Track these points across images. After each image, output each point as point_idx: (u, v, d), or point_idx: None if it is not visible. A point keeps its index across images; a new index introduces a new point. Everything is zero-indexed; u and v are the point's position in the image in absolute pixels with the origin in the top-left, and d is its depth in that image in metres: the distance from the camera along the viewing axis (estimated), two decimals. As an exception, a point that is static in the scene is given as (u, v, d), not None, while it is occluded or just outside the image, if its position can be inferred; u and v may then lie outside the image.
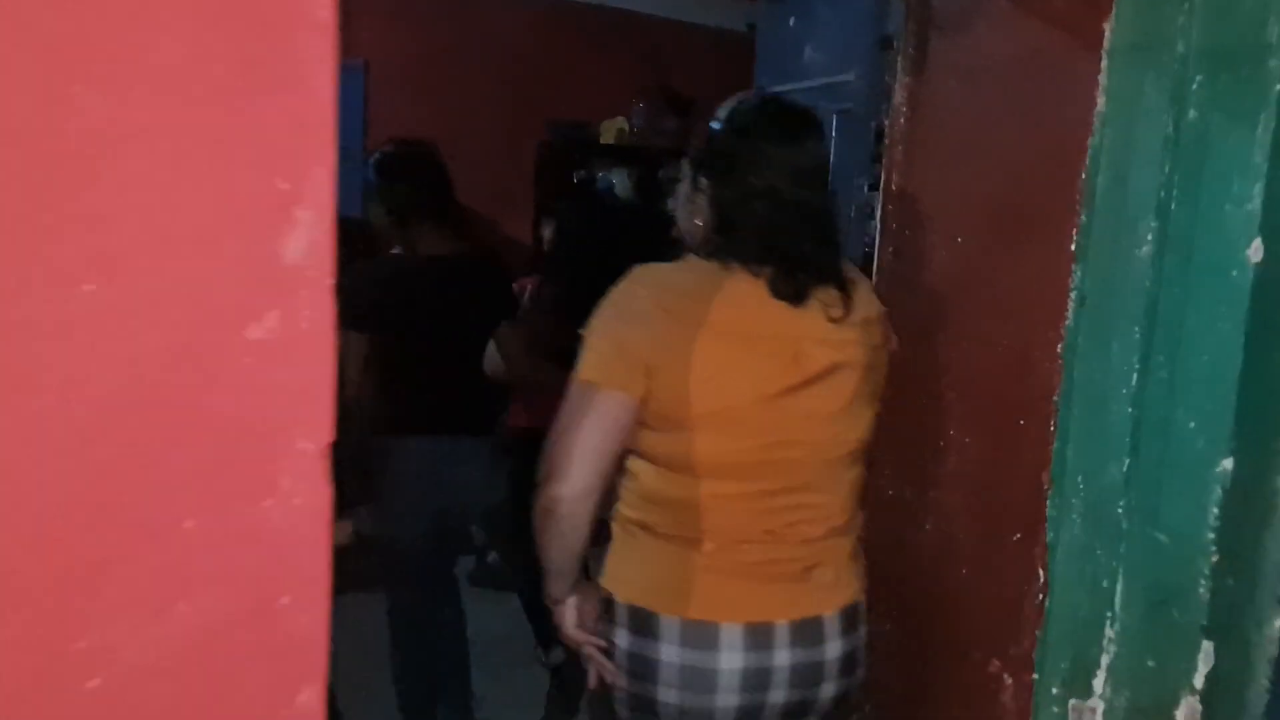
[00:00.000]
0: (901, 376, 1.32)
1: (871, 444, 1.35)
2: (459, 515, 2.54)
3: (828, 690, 1.37)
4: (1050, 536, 1.17)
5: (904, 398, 1.33)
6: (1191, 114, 1.07)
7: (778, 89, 2.41)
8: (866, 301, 1.34)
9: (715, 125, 1.36)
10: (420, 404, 2.40)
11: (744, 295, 1.29)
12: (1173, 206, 1.08)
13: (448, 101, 5.85)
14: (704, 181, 1.34)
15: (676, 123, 4.81)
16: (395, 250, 2.49)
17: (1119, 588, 1.14)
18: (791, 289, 1.28)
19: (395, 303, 2.39)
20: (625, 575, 1.40)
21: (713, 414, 1.29)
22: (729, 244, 1.30)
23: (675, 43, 5.28)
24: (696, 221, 1.36)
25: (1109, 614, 1.15)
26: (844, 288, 1.30)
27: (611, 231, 2.90)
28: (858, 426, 1.33)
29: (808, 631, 1.35)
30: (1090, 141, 1.13)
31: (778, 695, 1.37)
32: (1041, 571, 1.18)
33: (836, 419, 1.31)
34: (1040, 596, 1.19)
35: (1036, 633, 1.19)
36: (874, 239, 1.54)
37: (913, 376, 1.34)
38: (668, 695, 1.36)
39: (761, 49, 2.59)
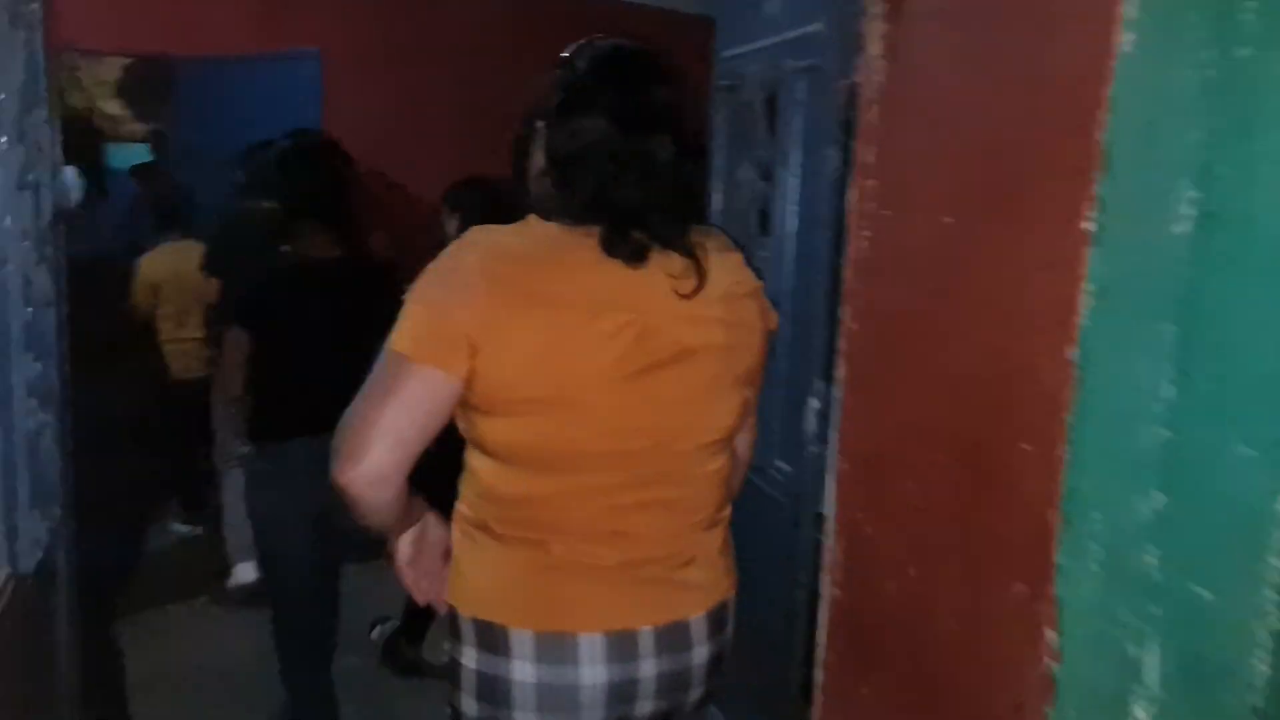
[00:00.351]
0: (877, 388, 1.07)
1: (737, 431, 1.24)
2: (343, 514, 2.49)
3: (694, 695, 1.28)
4: (1060, 591, 0.94)
5: (879, 414, 1.08)
6: (1243, 51, 0.83)
7: (735, 51, 2.19)
8: (732, 274, 1.23)
9: (557, 70, 1.26)
10: (298, 408, 2.33)
11: (582, 261, 1.19)
12: (1218, 171, 0.84)
13: (406, 91, 5.63)
14: (539, 126, 1.25)
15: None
16: (284, 248, 2.43)
17: (1149, 658, 0.90)
18: (626, 248, 1.18)
19: (275, 304, 2.36)
20: (468, 585, 1.28)
21: (546, 399, 1.18)
22: (561, 198, 1.21)
23: (638, 28, 5.06)
24: (533, 173, 1.26)
25: (1136, 691, 0.91)
26: (691, 255, 1.19)
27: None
28: (718, 414, 1.24)
29: (674, 637, 1.25)
30: (1109, 92, 0.89)
31: (644, 707, 1.26)
32: (1050, 634, 0.94)
33: (691, 407, 1.22)
34: (1048, 664, 0.95)
35: (1045, 709, 0.95)
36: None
37: (890, 387, 1.09)
38: (525, 719, 1.23)
39: (721, 10, 2.35)
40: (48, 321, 1.72)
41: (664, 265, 1.20)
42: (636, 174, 1.20)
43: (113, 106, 7.97)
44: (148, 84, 5.80)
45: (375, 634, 3.34)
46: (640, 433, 1.22)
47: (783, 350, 2.07)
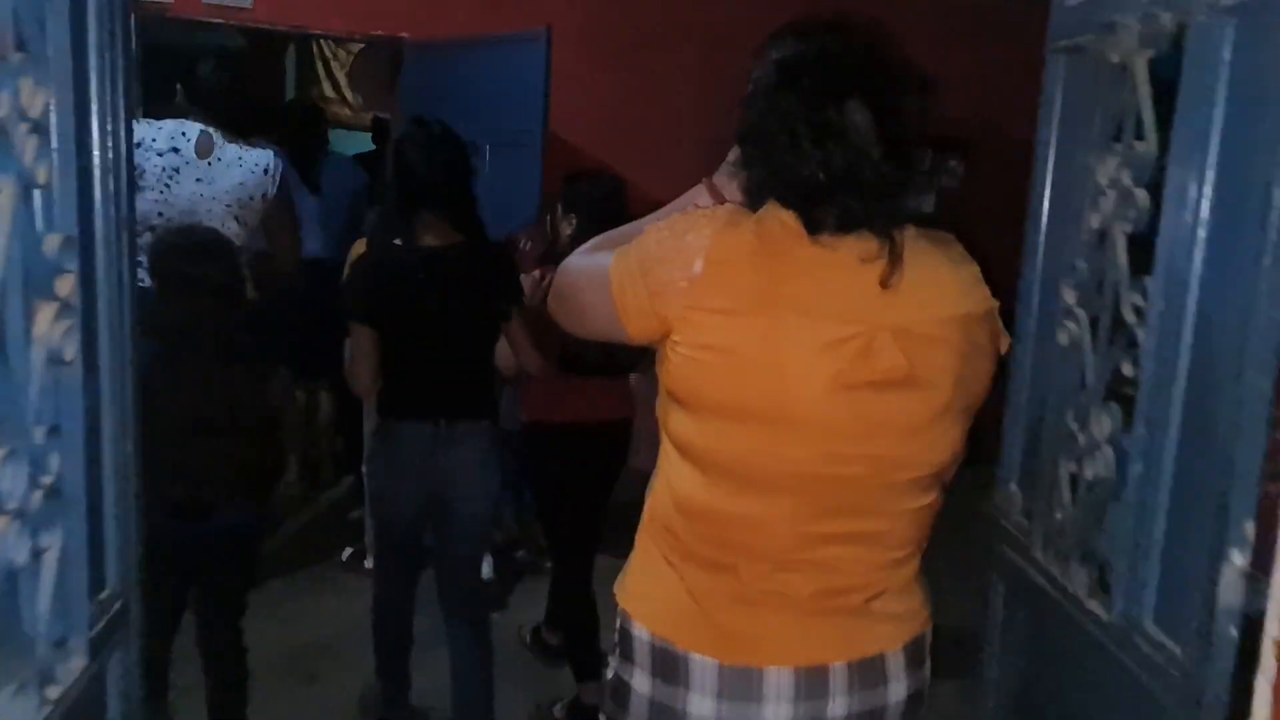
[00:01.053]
0: None
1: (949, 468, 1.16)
2: (453, 500, 2.54)
3: None
4: None
5: None
6: None
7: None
8: (968, 291, 1.16)
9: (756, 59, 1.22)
10: (411, 392, 2.49)
11: (810, 263, 1.12)
12: None
13: (644, 77, 5.08)
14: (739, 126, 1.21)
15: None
16: (395, 240, 2.44)
17: None
18: (824, 216, 1.11)
19: (390, 297, 2.41)
20: (646, 594, 1.24)
21: (750, 407, 1.12)
22: (748, 179, 1.19)
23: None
24: (730, 164, 1.26)
25: None
26: (887, 238, 1.11)
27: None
28: (938, 448, 1.17)
29: (868, 673, 1.19)
30: None
31: None
32: None
33: (911, 437, 1.14)
34: None
35: None
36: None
37: None
38: None
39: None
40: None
41: (872, 262, 1.12)
42: (823, 145, 1.11)
43: (341, 93, 7.89)
44: (376, 69, 5.54)
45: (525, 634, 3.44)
46: (851, 459, 1.14)
47: (1175, 469, 1.31)
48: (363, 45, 5.78)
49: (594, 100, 4.79)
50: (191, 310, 2.32)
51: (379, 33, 4.92)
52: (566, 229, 2.91)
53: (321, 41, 7.70)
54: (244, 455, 2.38)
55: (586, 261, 1.27)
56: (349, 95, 7.73)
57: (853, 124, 1.12)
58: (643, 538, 1.28)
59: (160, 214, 3.07)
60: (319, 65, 7.75)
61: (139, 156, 2.97)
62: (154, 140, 3.10)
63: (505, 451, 2.75)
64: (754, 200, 1.18)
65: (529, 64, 4.18)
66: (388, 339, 2.43)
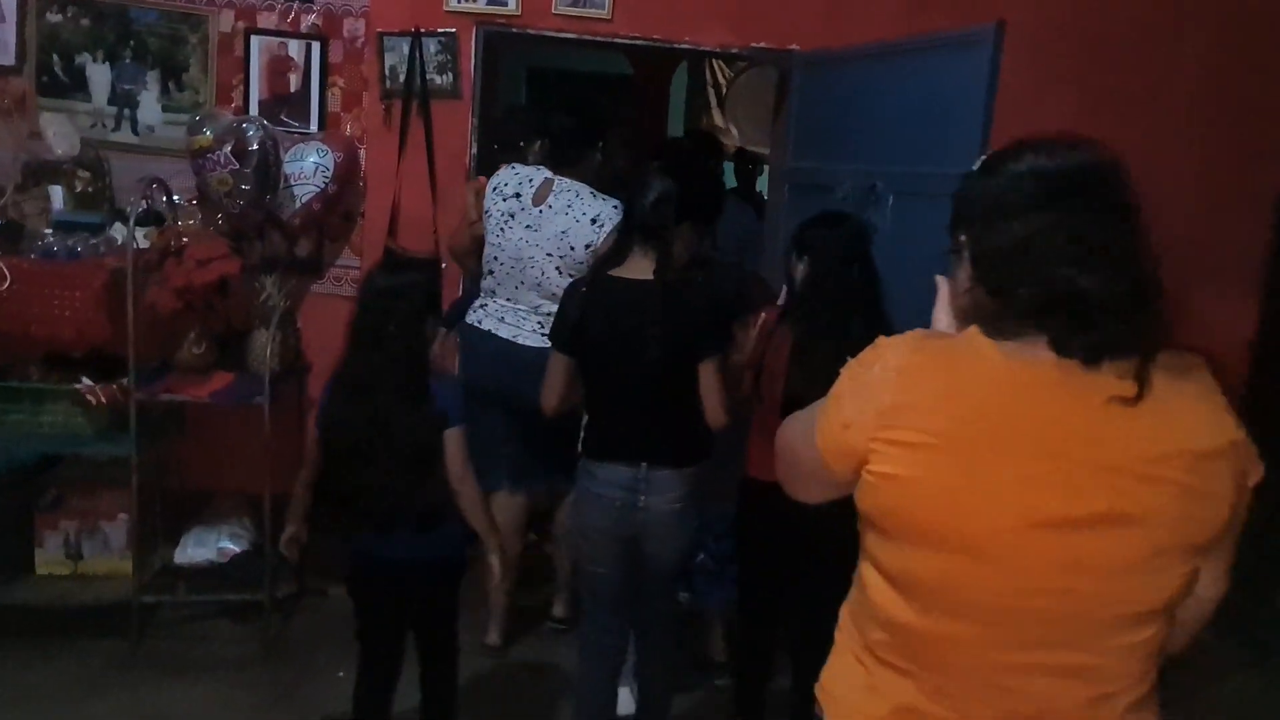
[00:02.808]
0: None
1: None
2: (648, 548, 2.53)
3: None
4: None
5: None
6: None
7: None
8: (1207, 424, 1.09)
9: (965, 177, 1.22)
10: (610, 432, 2.48)
11: (1015, 388, 1.10)
12: None
13: (1116, 86, 3.67)
14: (961, 238, 1.20)
15: None
16: (612, 271, 2.40)
17: None
18: (1081, 342, 1.08)
19: (584, 327, 2.39)
20: (842, 695, 1.28)
21: (940, 537, 1.12)
22: (998, 306, 1.14)
23: None
24: (960, 291, 1.21)
25: None
26: (1143, 360, 1.07)
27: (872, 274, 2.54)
28: (1154, 587, 1.10)
29: None
30: None
31: None
32: None
33: (1120, 577, 1.09)
34: None
35: None
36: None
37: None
38: None
39: None
40: None
41: (1110, 384, 1.07)
42: (1086, 262, 1.07)
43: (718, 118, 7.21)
44: (756, 92, 4.55)
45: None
46: (1050, 594, 1.10)
47: None
48: (744, 65, 4.82)
49: (1048, 111, 3.47)
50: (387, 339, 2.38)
51: (761, 45, 3.91)
52: (800, 272, 2.60)
53: (715, 62, 7.01)
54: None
55: (800, 414, 1.28)
56: (728, 124, 7.01)
57: (1124, 242, 1.09)
58: (839, 637, 1.30)
59: (495, 258, 3.15)
60: (710, 91, 7.05)
61: (489, 200, 3.17)
62: (505, 184, 3.15)
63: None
64: (989, 319, 1.14)
65: (963, 75, 2.95)
66: (587, 371, 2.47)
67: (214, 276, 3.46)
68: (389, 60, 3.87)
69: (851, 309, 2.41)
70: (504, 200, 3.12)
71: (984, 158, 1.22)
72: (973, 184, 1.20)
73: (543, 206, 3.06)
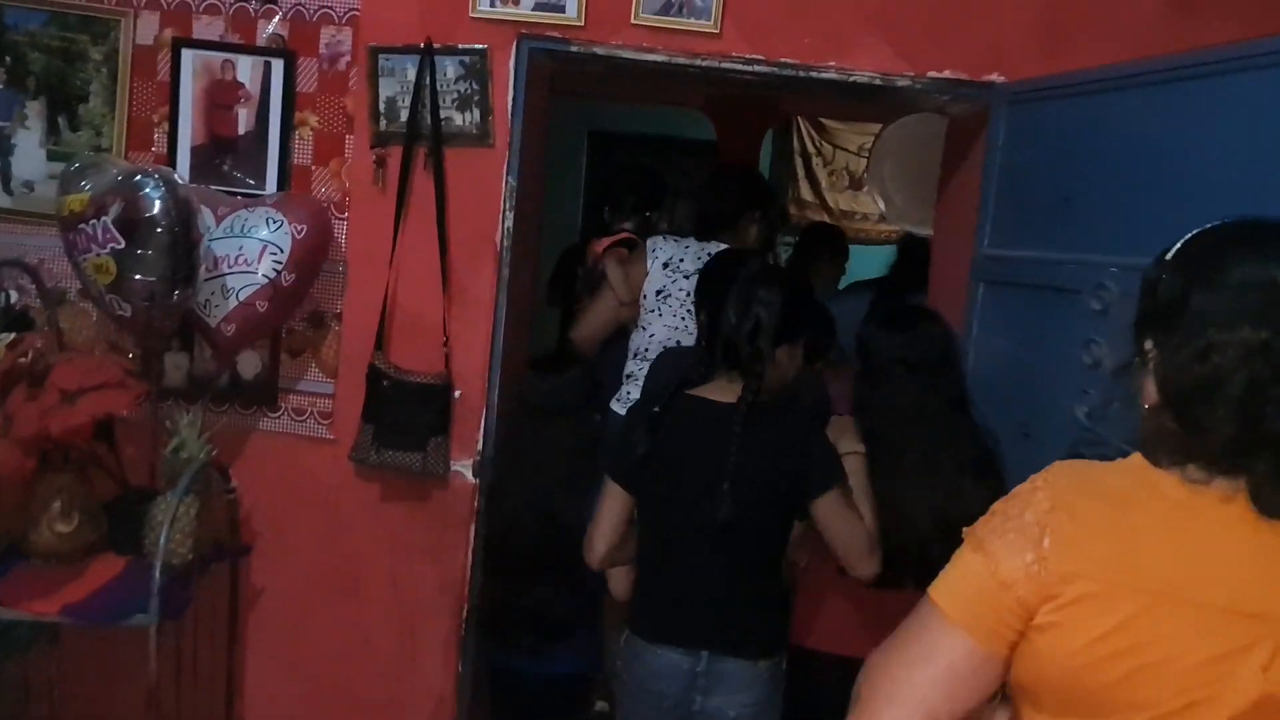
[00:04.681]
0: None
1: None
2: None
3: None
4: None
5: None
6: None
7: None
8: None
9: (1157, 264, 1.07)
10: (663, 607, 2.04)
11: (1208, 537, 0.97)
12: None
13: None
14: (1148, 345, 1.07)
15: None
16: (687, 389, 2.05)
17: None
18: None
19: (654, 455, 1.98)
20: None
21: (1132, 703, 0.97)
22: (1188, 440, 0.99)
23: None
24: (1144, 406, 1.08)
25: None
26: None
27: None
28: None
29: None
30: None
31: None
32: None
33: None
34: None
35: None
36: None
37: None
38: None
39: None
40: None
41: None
42: None
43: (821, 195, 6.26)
44: (914, 147, 3.23)
45: None
46: None
47: None
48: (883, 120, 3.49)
49: None
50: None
51: (945, 74, 2.58)
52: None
53: (802, 123, 5.93)
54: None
55: (895, 638, 1.06)
56: (832, 198, 5.91)
57: None
58: None
59: (678, 342, 2.81)
60: (797, 159, 6.05)
61: (664, 278, 2.83)
62: (679, 259, 2.85)
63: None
64: (1171, 450, 1.00)
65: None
66: (646, 516, 2.05)
67: (85, 419, 2.16)
68: (386, 89, 2.59)
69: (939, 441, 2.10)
70: (685, 279, 2.79)
71: (1183, 242, 1.05)
72: (1171, 279, 1.03)
73: None
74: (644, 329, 2.86)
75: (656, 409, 2.01)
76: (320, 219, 2.54)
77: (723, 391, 2.02)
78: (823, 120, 6.48)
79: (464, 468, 2.68)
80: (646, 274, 2.84)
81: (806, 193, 6.51)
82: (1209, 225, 1.06)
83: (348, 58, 2.60)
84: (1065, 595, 0.97)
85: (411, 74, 2.57)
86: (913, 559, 2.01)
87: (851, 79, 2.60)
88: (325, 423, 2.68)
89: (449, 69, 2.58)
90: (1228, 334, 0.96)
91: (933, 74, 2.58)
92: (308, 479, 2.70)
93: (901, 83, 2.60)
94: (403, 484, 2.67)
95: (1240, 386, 0.95)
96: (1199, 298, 0.99)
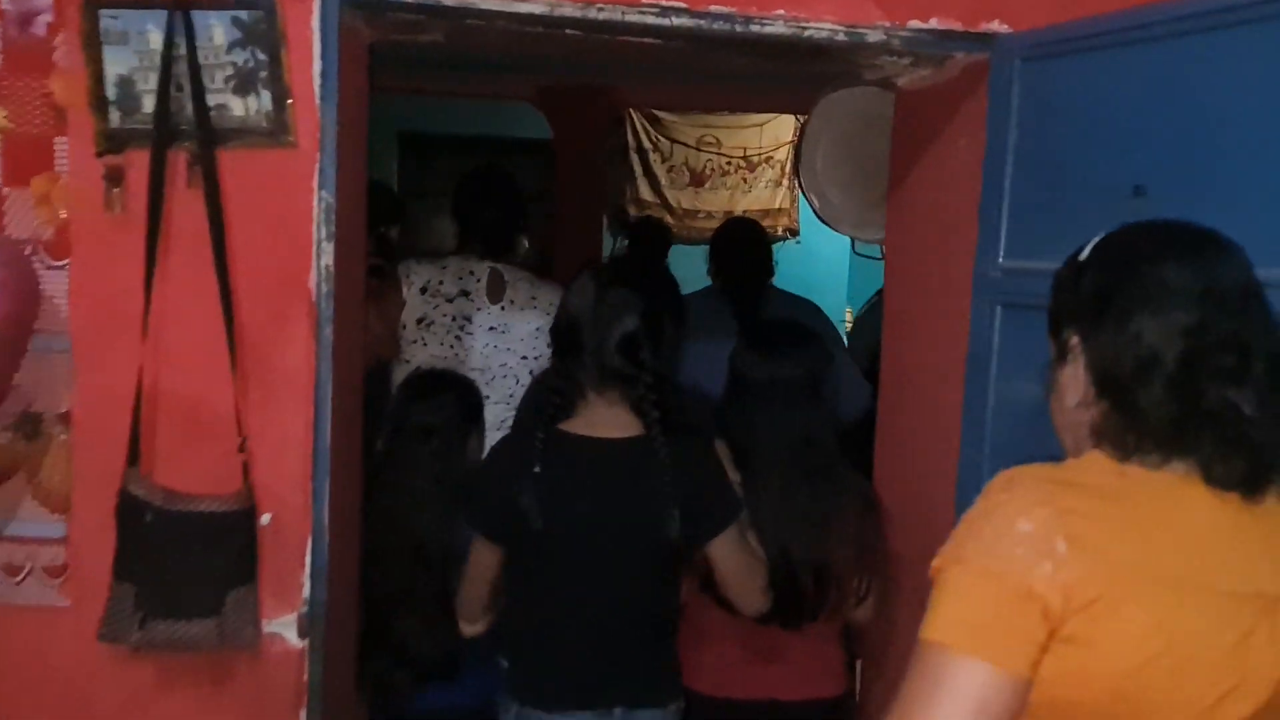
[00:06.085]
0: None
1: None
2: None
3: None
4: None
5: None
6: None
7: None
8: None
9: (1078, 259, 1.06)
10: (565, 662, 1.84)
11: (1191, 520, 0.95)
12: None
13: None
14: (1072, 340, 1.05)
15: None
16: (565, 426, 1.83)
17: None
18: (1237, 470, 0.94)
19: (523, 505, 1.76)
20: None
21: (1157, 713, 0.93)
22: (1124, 427, 0.98)
23: None
24: (1069, 404, 1.05)
25: None
26: None
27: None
28: None
29: None
30: None
31: None
32: None
33: None
34: None
35: None
36: None
37: None
38: None
39: None
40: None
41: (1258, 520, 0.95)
42: (1240, 373, 0.94)
43: (662, 193, 5.88)
44: (856, 130, 2.56)
45: None
46: None
47: None
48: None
49: None
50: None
51: (931, 25, 1.89)
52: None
53: (635, 116, 5.98)
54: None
55: (898, 708, 0.93)
56: (673, 196, 5.46)
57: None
58: None
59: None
60: (633, 156, 5.76)
61: (423, 304, 2.68)
62: (438, 282, 2.69)
63: None
64: (1112, 437, 0.99)
65: None
66: (521, 572, 1.85)
67: None
68: (116, 64, 1.67)
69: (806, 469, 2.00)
70: (448, 302, 2.66)
71: (1094, 245, 1.06)
72: (1094, 276, 1.03)
73: (503, 303, 2.69)
74: (407, 362, 2.65)
75: (536, 467, 1.76)
76: (18, 269, 1.59)
77: (605, 425, 1.82)
78: (656, 112, 6.03)
79: (284, 627, 1.80)
80: (404, 303, 2.65)
81: (646, 191, 6.17)
82: (1119, 228, 1.06)
83: (48, 16, 1.67)
84: (1095, 602, 0.90)
85: (156, 40, 1.66)
86: (785, 590, 1.96)
87: (807, 33, 1.86)
88: (54, 583, 1.74)
89: (216, 31, 1.69)
90: (1161, 318, 0.96)
91: (915, 24, 1.88)
92: (33, 672, 1.75)
93: (873, 37, 1.88)
94: (193, 663, 1.76)
95: (1175, 364, 0.95)
96: (1128, 288, 0.98)
